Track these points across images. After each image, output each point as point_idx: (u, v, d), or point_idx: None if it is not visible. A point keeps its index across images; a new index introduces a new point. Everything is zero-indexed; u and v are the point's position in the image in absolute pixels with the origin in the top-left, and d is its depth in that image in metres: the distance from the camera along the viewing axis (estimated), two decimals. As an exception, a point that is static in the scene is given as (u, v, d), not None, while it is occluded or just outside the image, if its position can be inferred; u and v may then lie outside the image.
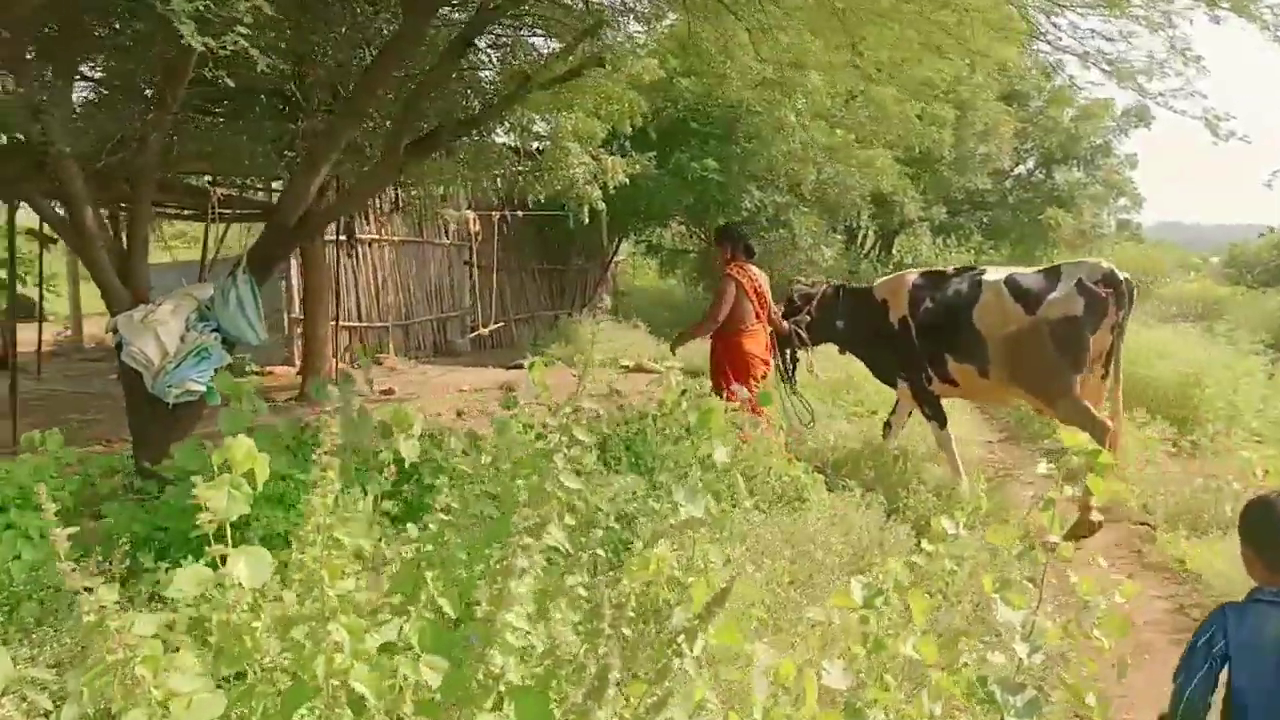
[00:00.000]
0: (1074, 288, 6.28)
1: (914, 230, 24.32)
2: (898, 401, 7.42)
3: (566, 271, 19.37)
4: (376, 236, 14.76)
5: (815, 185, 15.87)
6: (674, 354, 7.21)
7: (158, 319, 5.97)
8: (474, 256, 17.07)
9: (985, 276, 6.78)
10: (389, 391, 11.25)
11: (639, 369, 13.31)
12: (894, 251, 25.09)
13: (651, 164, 14.07)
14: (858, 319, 7.39)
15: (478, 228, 14.95)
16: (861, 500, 5.56)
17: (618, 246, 20.58)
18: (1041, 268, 6.98)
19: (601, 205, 11.22)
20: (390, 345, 15.07)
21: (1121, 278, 6.30)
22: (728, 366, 7.10)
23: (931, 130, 17.45)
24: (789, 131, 14.68)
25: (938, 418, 7.07)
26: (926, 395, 7.07)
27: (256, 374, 12.96)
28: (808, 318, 7.41)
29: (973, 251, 24.73)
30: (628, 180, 11.26)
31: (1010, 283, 6.55)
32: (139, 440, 6.17)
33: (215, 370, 6.12)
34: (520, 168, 10.74)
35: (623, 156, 11.41)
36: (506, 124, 10.30)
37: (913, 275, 7.27)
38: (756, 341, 7.25)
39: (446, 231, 15.99)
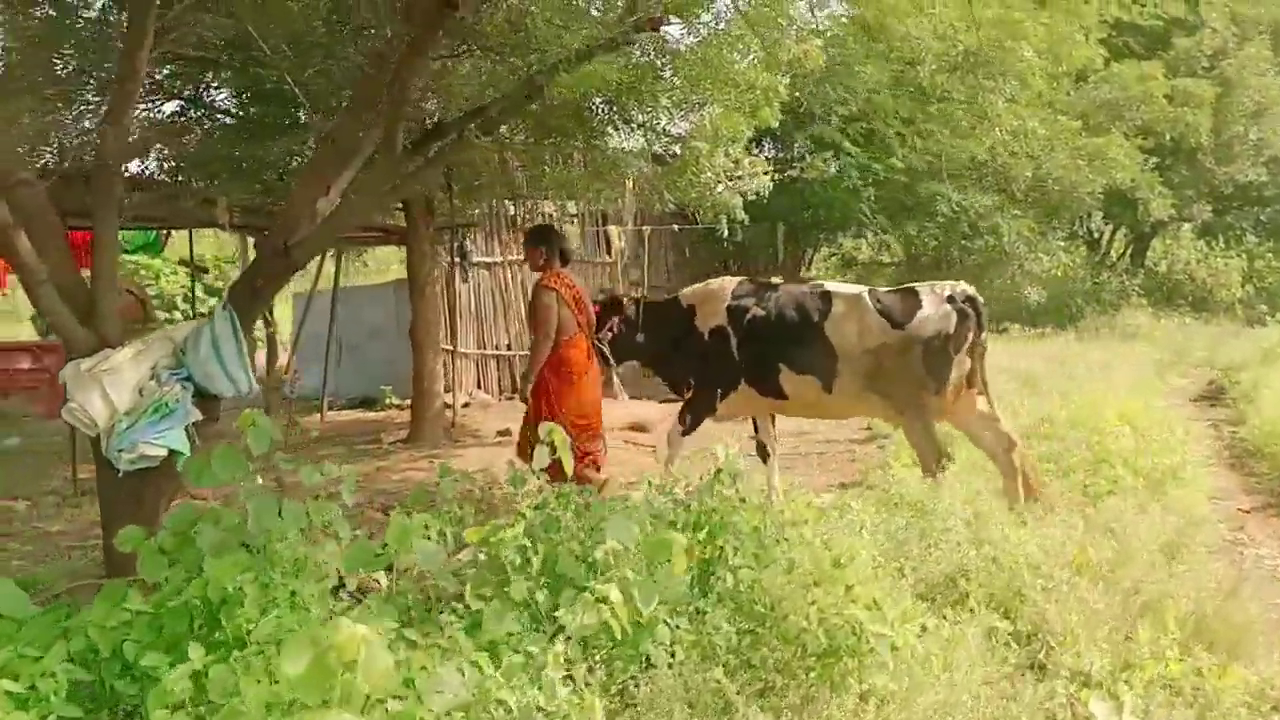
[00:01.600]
0: (947, 306, 6.27)
1: (1172, 232, 20.90)
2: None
3: (747, 287, 17.71)
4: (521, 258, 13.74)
5: (1030, 183, 13.43)
6: (528, 400, 6.44)
7: (108, 367, 4.90)
8: (645, 275, 15.82)
9: (831, 287, 6.76)
10: (506, 433, 10.08)
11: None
12: (1147, 259, 21.68)
13: (830, 165, 12.26)
14: (660, 330, 7.02)
15: (622, 243, 13.64)
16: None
17: (809, 261, 18.73)
18: (892, 288, 6.85)
19: (741, 215, 9.57)
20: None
21: (981, 301, 6.39)
22: (551, 379, 6.43)
23: (1184, 112, 14.55)
24: (995, 120, 12.41)
25: (692, 429, 6.84)
26: (707, 405, 6.83)
27: (395, 407, 12.26)
28: (610, 334, 6.95)
29: (1244, 256, 20.96)
30: (769, 185, 9.55)
31: (874, 297, 6.46)
32: (105, 516, 5.15)
33: (187, 430, 5.01)
34: (646, 174, 9.31)
35: (789, 157, 9.83)
36: (632, 124, 8.97)
37: (732, 283, 6.97)
38: (580, 350, 6.58)
39: (608, 249, 14.80)
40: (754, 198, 10.05)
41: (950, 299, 6.30)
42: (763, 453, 7.10)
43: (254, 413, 3.70)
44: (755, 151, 14.88)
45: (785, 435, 9.78)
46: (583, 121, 8.70)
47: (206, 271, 15.49)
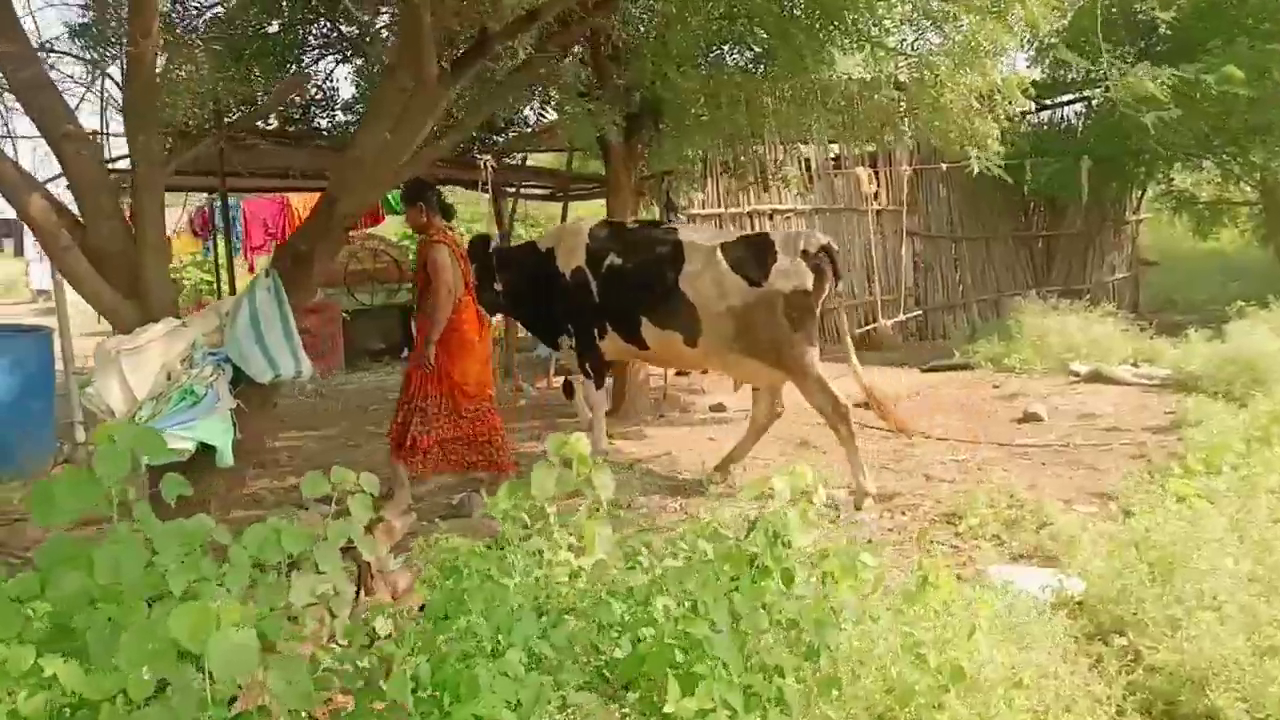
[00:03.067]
0: (800, 259, 6.01)
1: None
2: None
3: (1056, 238, 15.05)
4: (772, 206, 12.34)
5: None
6: (433, 364, 5.86)
7: (132, 347, 4.25)
8: (924, 225, 13.89)
9: (685, 238, 6.44)
10: (720, 408, 8.84)
11: (1095, 377, 9.29)
12: None
13: (1148, 79, 9.79)
14: (518, 275, 6.92)
15: (874, 186, 11.80)
16: None
17: (1138, 203, 15.67)
18: (745, 235, 6.71)
19: (998, 147, 7.62)
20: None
21: (835, 248, 6.16)
22: (449, 345, 5.94)
23: None
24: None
25: (598, 378, 6.84)
26: (593, 352, 6.76)
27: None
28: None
29: None
30: (1035, 109, 7.50)
31: (726, 250, 6.16)
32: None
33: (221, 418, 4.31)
34: (880, 102, 7.64)
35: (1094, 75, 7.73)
36: (854, 38, 7.33)
37: (589, 223, 6.99)
38: (473, 311, 6.20)
39: (876, 196, 13.00)
40: (1029, 127, 8.01)
41: (804, 252, 6.02)
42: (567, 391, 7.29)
43: (113, 426, 2.77)
44: (1043, 68, 12.47)
45: (1067, 416, 7.86)
46: (788, 38, 7.22)
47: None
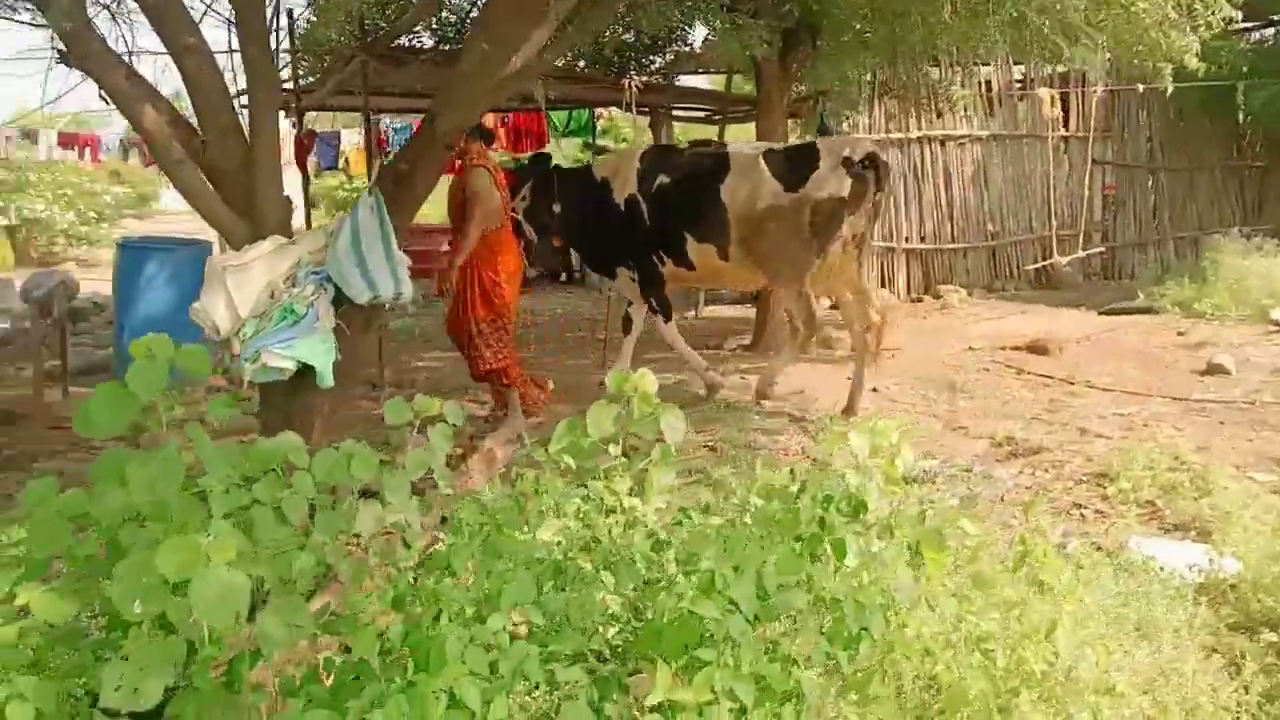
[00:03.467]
0: (841, 166, 5.85)
1: None
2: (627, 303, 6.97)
3: (1272, 172, 13.45)
4: (944, 132, 11.50)
5: None
6: (445, 294, 5.97)
7: (239, 263, 4.26)
8: (1119, 154, 12.69)
9: (733, 149, 6.38)
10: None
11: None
12: None
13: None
14: (575, 202, 6.74)
15: (1057, 111, 10.75)
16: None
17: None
18: (795, 142, 6.79)
19: (1197, 64, 6.70)
20: (965, 271, 11.83)
21: (883, 158, 5.99)
22: (489, 275, 5.85)
23: None
24: None
25: (664, 311, 6.71)
26: (656, 284, 6.64)
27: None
28: (523, 202, 6.65)
29: None
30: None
31: (769, 157, 6.07)
32: (261, 433, 4.62)
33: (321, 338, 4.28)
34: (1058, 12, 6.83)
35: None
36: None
37: (639, 150, 6.87)
38: (513, 240, 6.15)
39: (1065, 122, 11.92)
40: (1246, 44, 7.02)
41: (848, 160, 5.88)
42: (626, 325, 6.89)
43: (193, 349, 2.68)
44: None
45: (1259, 370, 7.00)
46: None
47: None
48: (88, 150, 17.97)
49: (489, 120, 6.28)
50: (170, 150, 4.20)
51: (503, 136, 15.87)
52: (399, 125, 16.66)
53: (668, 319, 6.69)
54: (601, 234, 6.70)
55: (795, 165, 6.00)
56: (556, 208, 6.74)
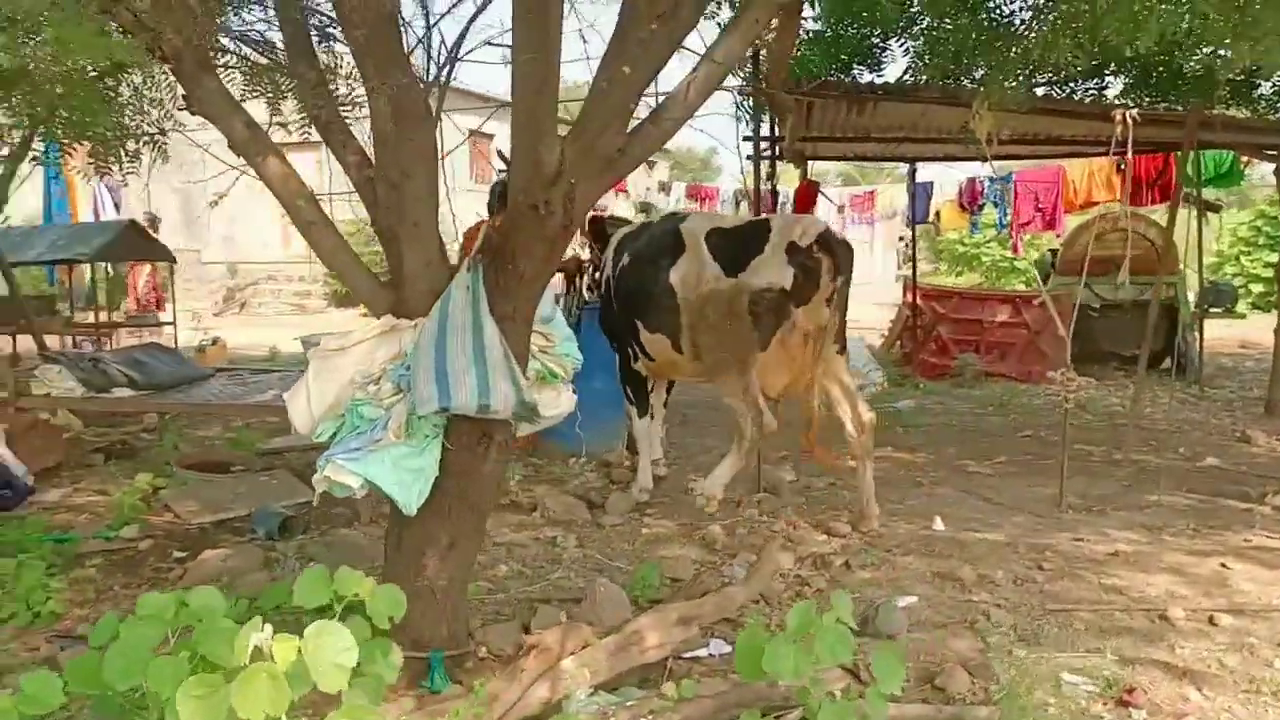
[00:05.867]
0: (784, 252, 5.11)
1: None
2: None
3: None
4: None
5: None
6: None
7: (335, 347, 3.54)
8: None
9: (685, 225, 5.61)
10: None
11: None
12: None
13: None
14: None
15: None
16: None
17: None
18: (746, 219, 5.77)
19: None
20: None
21: (838, 240, 5.22)
22: None
23: None
24: None
25: (639, 403, 6.15)
26: (630, 374, 6.07)
27: None
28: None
29: None
30: None
31: (711, 238, 5.39)
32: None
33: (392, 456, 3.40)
34: None
35: None
36: None
37: (626, 228, 6.25)
38: None
39: None
40: None
41: (791, 245, 5.11)
42: None
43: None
44: None
45: None
46: None
47: (1216, 210, 11.48)
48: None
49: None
50: (300, 211, 3.56)
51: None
52: (991, 177, 14.85)
53: (640, 415, 6.13)
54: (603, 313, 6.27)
55: (738, 247, 5.26)
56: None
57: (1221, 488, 6.17)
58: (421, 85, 3.53)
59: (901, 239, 29.82)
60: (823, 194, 11.91)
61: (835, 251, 5.13)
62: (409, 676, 3.49)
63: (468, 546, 3.63)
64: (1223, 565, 4.71)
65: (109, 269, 14.47)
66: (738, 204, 18.12)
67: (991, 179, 14.67)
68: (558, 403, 3.74)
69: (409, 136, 3.30)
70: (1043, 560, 4.79)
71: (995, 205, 14.81)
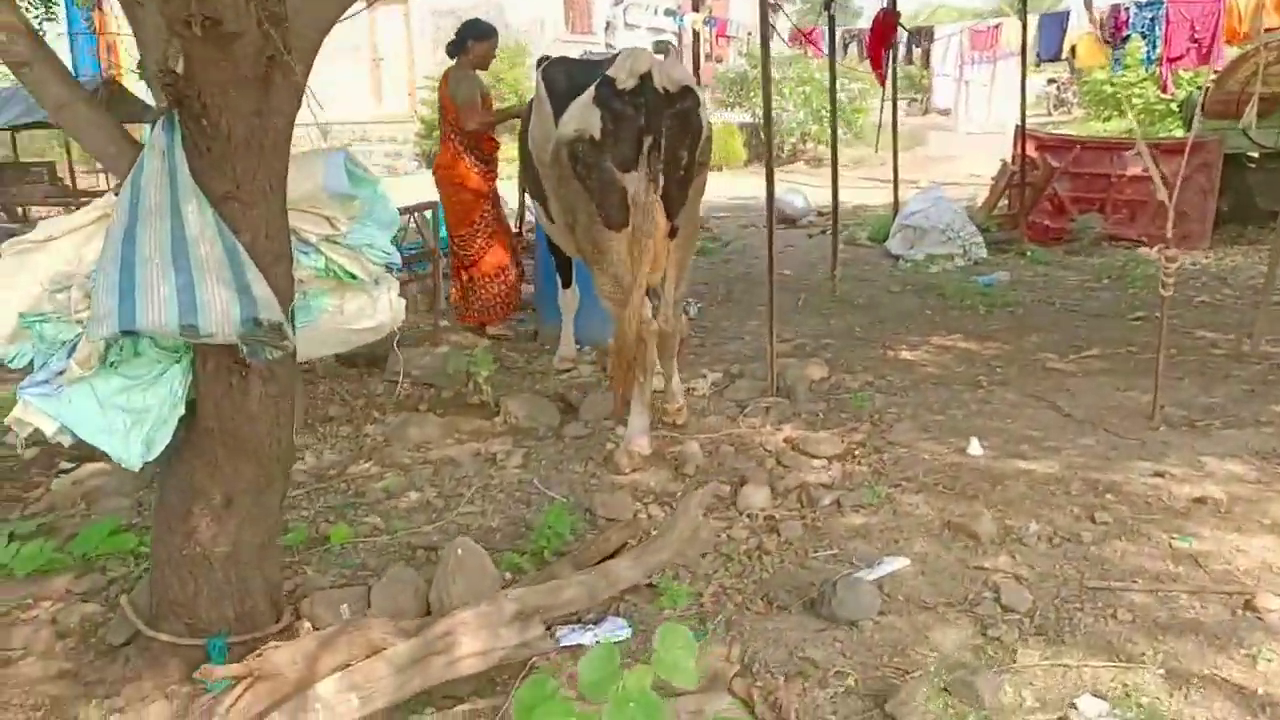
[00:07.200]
0: (596, 92, 3.88)
1: None
2: None
3: None
4: None
5: None
6: None
7: (25, 244, 2.62)
8: None
9: (544, 68, 4.50)
10: None
11: None
12: None
13: None
14: None
15: None
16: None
17: None
18: (606, 53, 4.91)
19: None
20: None
21: (662, 80, 3.80)
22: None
23: None
24: None
25: (562, 274, 5.71)
26: (551, 242, 5.35)
27: None
28: None
29: None
30: None
31: (555, 81, 4.28)
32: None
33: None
34: None
35: None
36: None
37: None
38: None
39: None
40: None
41: (606, 84, 3.85)
42: None
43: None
44: None
45: None
46: None
47: None
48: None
49: None
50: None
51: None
52: (1140, 2, 12.63)
53: (565, 285, 5.72)
54: None
55: (575, 90, 4.04)
56: None
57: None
58: None
59: (1052, 80, 26.97)
60: (902, 27, 10.14)
61: (649, 95, 3.78)
62: (183, 670, 2.67)
63: (256, 503, 2.70)
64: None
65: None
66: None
67: (1140, 5, 12.50)
68: (372, 312, 2.72)
69: None
70: (1099, 506, 3.57)
71: (1144, 36, 12.70)
